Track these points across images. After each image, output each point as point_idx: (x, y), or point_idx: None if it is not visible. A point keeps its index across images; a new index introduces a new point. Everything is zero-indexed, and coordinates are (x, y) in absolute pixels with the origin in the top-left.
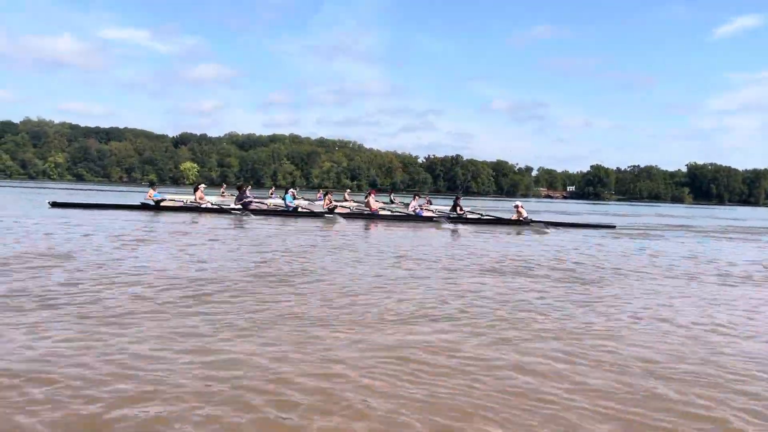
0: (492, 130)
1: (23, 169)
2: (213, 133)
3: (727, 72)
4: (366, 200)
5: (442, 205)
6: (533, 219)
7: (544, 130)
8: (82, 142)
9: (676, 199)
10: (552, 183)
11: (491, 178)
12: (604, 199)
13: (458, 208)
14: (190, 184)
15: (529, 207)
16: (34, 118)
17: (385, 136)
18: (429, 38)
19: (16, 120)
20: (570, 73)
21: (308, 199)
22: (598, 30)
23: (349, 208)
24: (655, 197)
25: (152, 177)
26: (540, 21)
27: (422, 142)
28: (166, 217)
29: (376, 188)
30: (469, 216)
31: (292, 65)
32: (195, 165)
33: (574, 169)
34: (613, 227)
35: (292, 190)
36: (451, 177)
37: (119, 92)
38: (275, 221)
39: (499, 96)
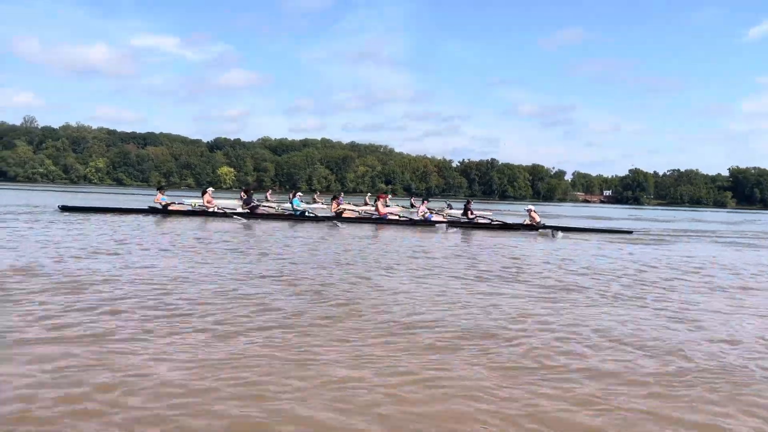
0: (518, 135)
1: (65, 173)
2: (241, 137)
3: (759, 75)
4: (375, 204)
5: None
6: (550, 225)
7: (573, 134)
8: (121, 147)
9: (719, 204)
10: (589, 187)
11: (528, 182)
12: (643, 204)
13: (469, 213)
14: (228, 188)
15: (566, 211)
16: (73, 123)
17: (411, 140)
18: (456, 43)
19: (56, 126)
20: (599, 77)
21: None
22: (629, 33)
23: (358, 212)
24: (696, 202)
25: (190, 181)
26: (570, 24)
27: (447, 147)
28: (170, 222)
29: (412, 193)
30: (480, 221)
31: (318, 71)
32: (232, 170)
33: (602, 172)
34: (630, 233)
35: (299, 194)
36: (486, 181)
37: (149, 98)
38: (281, 225)
39: (526, 100)
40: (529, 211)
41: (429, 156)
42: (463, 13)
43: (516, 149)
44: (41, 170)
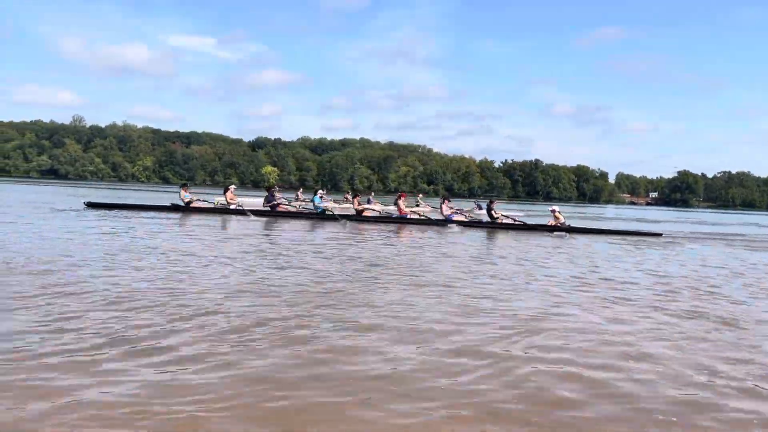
0: (552, 135)
1: (114, 171)
2: (276, 136)
3: None
4: (395, 203)
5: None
6: (575, 226)
7: (608, 134)
8: (167, 146)
9: None
10: (634, 189)
11: (573, 183)
12: (692, 206)
13: (493, 213)
14: (271, 187)
15: (607, 213)
16: (119, 122)
17: (443, 140)
18: (490, 42)
19: (102, 124)
20: (637, 76)
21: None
22: (668, 31)
23: (378, 211)
24: (748, 205)
25: (234, 180)
26: (607, 23)
27: (480, 146)
28: (192, 218)
29: (452, 192)
30: (504, 221)
31: (351, 70)
32: (275, 169)
33: (639, 173)
34: (660, 235)
35: (320, 191)
36: (530, 182)
37: (186, 97)
38: (297, 224)
39: (561, 99)
40: (553, 211)
41: (466, 156)
42: (498, 12)
43: (550, 149)
44: (91, 168)
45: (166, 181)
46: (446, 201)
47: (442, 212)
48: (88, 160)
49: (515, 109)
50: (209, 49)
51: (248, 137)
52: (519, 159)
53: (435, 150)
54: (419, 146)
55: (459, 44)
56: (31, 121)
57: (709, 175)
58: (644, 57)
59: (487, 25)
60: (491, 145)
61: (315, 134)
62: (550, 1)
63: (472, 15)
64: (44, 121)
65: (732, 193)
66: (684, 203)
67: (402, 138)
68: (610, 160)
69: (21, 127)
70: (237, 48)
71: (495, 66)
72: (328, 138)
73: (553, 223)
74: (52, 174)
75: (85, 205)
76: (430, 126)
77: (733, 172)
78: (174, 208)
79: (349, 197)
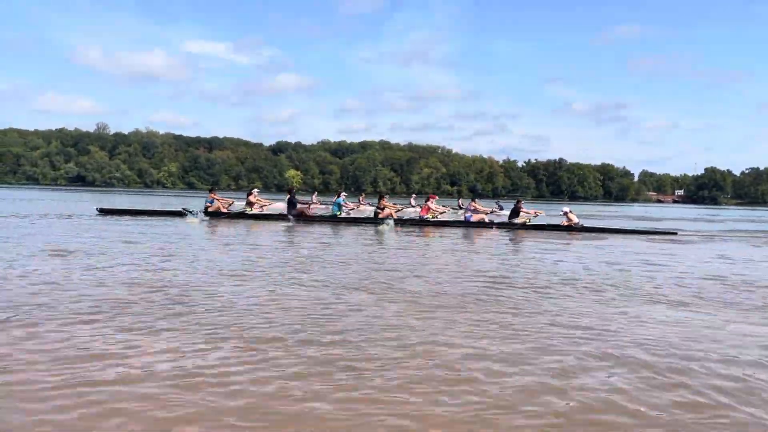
0: (568, 133)
1: (139, 178)
2: (294, 140)
3: None
4: (425, 204)
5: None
6: (590, 226)
7: (626, 132)
8: (191, 152)
9: None
10: (660, 187)
11: (598, 182)
12: (720, 204)
13: (522, 212)
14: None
15: (636, 212)
16: (142, 129)
17: (459, 140)
18: (506, 42)
19: (125, 131)
20: (655, 73)
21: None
22: (687, 27)
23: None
24: None
25: (258, 185)
26: (626, 20)
27: (496, 146)
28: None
29: (477, 193)
30: (515, 221)
31: (366, 72)
32: (298, 172)
33: (659, 170)
34: (675, 234)
35: (343, 194)
36: (554, 182)
37: (203, 103)
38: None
39: (577, 98)
40: (566, 213)
41: (483, 155)
42: (513, 11)
43: (568, 148)
44: (117, 175)
45: (191, 186)
46: (473, 201)
47: (465, 214)
48: (114, 167)
49: (531, 109)
50: (225, 54)
51: (267, 141)
52: (536, 158)
53: (454, 150)
54: (438, 147)
55: (474, 44)
56: (55, 129)
57: (736, 172)
58: (662, 54)
59: (502, 24)
60: (507, 144)
61: (332, 136)
62: (565, 0)
63: (486, 15)
64: (68, 129)
65: (762, 189)
66: (712, 201)
67: (418, 139)
68: (630, 159)
69: (46, 135)
70: (252, 53)
71: (510, 65)
72: (348, 140)
73: (566, 224)
74: (79, 181)
75: (98, 211)
76: (446, 126)
77: (761, 168)
78: (179, 213)
79: (386, 200)
